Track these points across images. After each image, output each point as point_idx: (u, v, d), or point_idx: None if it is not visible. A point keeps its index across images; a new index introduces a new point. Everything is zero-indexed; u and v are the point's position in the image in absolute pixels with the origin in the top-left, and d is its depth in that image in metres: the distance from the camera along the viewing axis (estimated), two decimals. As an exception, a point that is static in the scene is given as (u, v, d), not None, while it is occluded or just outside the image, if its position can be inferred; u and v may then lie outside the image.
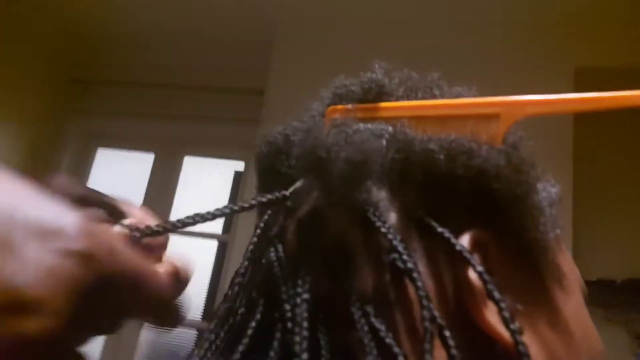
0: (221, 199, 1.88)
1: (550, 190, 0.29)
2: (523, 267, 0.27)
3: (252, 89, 1.76)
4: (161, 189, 1.90)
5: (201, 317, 1.78)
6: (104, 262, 0.15)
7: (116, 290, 0.16)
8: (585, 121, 1.32)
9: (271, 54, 1.69)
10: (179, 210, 1.89)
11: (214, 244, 1.86)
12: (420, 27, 1.54)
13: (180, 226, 0.26)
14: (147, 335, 1.76)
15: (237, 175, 1.90)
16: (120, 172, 2.03)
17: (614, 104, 0.27)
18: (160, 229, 0.26)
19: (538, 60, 1.42)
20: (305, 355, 0.21)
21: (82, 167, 2.01)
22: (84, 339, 0.20)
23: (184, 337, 1.78)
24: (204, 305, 1.80)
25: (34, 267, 0.14)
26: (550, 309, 0.27)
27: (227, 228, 1.80)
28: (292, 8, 1.69)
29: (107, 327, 0.21)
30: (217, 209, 0.28)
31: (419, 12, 1.57)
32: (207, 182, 1.96)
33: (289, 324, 0.24)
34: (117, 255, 0.16)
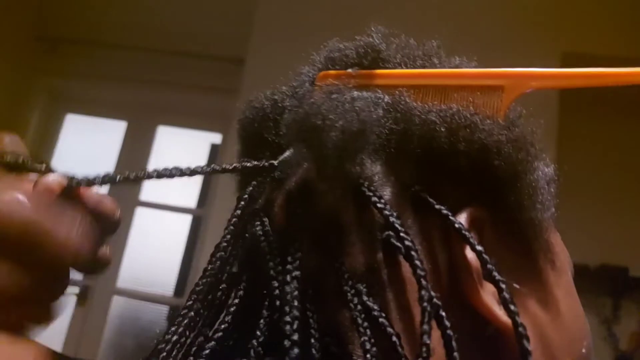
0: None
1: (545, 169, 0.28)
2: (516, 246, 0.26)
3: (232, 57, 1.69)
4: (133, 160, 1.84)
5: (173, 293, 1.76)
6: None
7: None
8: (571, 105, 1.34)
9: (254, 20, 1.62)
10: (150, 182, 1.84)
11: (187, 219, 1.82)
12: (406, 8, 1.51)
13: (155, 176, 0.26)
14: (117, 310, 1.72)
15: (214, 148, 1.85)
16: (90, 140, 1.95)
17: (618, 80, 0.26)
18: (137, 176, 0.26)
19: (525, 43, 1.41)
20: (296, 336, 0.19)
21: (50, 133, 1.92)
22: None
23: (155, 313, 1.76)
24: (176, 281, 1.77)
25: None
26: (542, 288, 0.26)
27: (202, 202, 1.77)
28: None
29: None
30: (198, 167, 0.27)
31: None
32: (181, 154, 1.90)
33: (278, 302, 0.22)
34: None
